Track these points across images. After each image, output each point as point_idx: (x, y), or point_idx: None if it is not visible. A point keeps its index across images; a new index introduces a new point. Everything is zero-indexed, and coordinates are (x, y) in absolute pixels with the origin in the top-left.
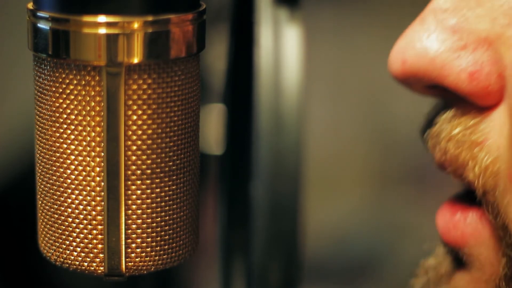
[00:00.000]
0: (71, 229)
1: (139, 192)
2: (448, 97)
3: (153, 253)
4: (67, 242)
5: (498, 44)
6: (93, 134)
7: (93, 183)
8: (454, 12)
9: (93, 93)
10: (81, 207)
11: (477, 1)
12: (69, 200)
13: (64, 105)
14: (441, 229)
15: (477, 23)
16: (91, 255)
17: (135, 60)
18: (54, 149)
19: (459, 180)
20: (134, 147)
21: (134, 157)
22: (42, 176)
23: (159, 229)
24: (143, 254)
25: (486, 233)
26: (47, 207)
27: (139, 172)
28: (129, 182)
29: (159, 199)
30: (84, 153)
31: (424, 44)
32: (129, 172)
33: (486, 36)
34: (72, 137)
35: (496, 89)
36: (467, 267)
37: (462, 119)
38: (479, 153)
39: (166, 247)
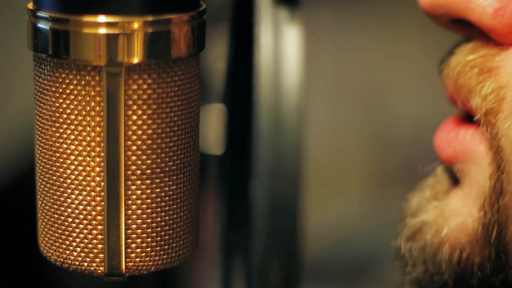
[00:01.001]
0: (71, 229)
1: (139, 192)
2: (472, 34)
3: (153, 253)
4: (67, 242)
5: None
6: (93, 134)
7: (93, 183)
8: None
9: (93, 93)
10: (81, 207)
11: None
12: (69, 200)
13: (64, 105)
14: (437, 147)
15: None
16: (91, 255)
17: (135, 60)
18: (54, 149)
19: (464, 110)
20: (134, 147)
21: (134, 157)
22: (42, 176)
23: (159, 229)
24: (143, 254)
25: (476, 151)
26: (47, 207)
27: (139, 172)
28: (129, 182)
29: (159, 199)
30: (84, 153)
31: None
32: (129, 172)
33: None
34: (72, 137)
35: None
36: (460, 184)
37: (480, 49)
38: (489, 78)
39: (166, 247)
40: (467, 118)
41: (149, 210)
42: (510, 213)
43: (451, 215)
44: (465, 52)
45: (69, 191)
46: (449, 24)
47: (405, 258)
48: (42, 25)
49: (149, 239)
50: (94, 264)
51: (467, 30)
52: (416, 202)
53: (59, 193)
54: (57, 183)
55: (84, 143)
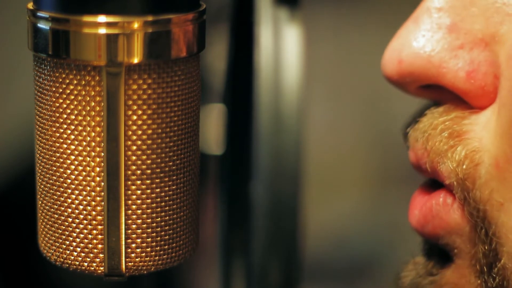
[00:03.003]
0: (71, 229)
1: (139, 192)
2: (441, 98)
3: (153, 253)
4: (67, 242)
5: (493, 44)
6: (93, 134)
7: (93, 183)
8: (449, 12)
9: (93, 93)
10: (81, 207)
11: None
12: (69, 200)
13: (64, 105)
14: (414, 226)
15: (473, 22)
16: (91, 255)
17: (135, 60)
18: (54, 149)
19: (432, 175)
20: (134, 147)
21: (134, 157)
22: (42, 176)
23: (159, 229)
24: (143, 254)
25: (452, 221)
26: (47, 207)
27: (139, 172)
28: (129, 182)
29: (159, 199)
30: (84, 153)
31: (421, 43)
32: (129, 172)
33: (482, 36)
34: (72, 137)
35: (492, 90)
36: (450, 257)
37: (452, 112)
38: (459, 143)
39: (166, 247)
40: (433, 185)
41: (149, 210)
42: (509, 274)
43: None
44: (436, 114)
45: (69, 191)
46: (418, 91)
47: None
48: (42, 25)
49: (149, 239)
50: (94, 264)
51: (437, 94)
52: (411, 280)
53: (59, 193)
54: (57, 183)
55: (84, 143)
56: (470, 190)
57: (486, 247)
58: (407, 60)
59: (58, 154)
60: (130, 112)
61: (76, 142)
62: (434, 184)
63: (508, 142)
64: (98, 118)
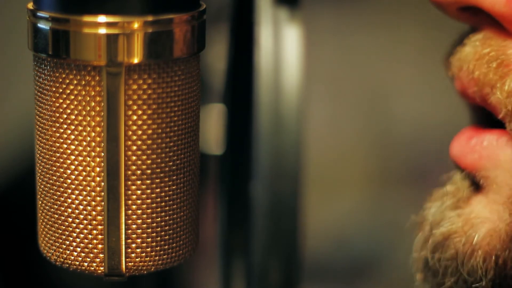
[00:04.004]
0: (71, 229)
1: (139, 192)
2: (481, 23)
3: (153, 253)
4: (67, 242)
5: None
6: (93, 134)
7: (93, 183)
8: None
9: (93, 93)
10: (81, 207)
11: None
12: (69, 200)
13: (64, 105)
14: (457, 155)
15: None
16: (91, 255)
17: (135, 60)
18: (54, 149)
19: (481, 103)
20: (134, 147)
21: (134, 157)
22: (42, 176)
23: (159, 229)
24: (143, 254)
25: (503, 155)
26: (47, 207)
27: (139, 172)
28: (129, 182)
29: (159, 199)
30: (84, 153)
31: None
32: (129, 172)
33: None
34: (72, 137)
35: None
36: (483, 191)
37: (493, 41)
38: (509, 73)
39: (166, 247)
40: (486, 122)
41: (149, 210)
42: None
43: (480, 222)
44: (478, 43)
45: (69, 191)
46: (457, 13)
47: (433, 269)
48: (42, 25)
49: (149, 239)
50: (94, 264)
51: (476, 18)
52: (436, 211)
53: (59, 193)
54: (57, 183)
55: (84, 143)
56: None
57: None
58: None
59: (58, 154)
60: (130, 112)
61: (76, 142)
62: (486, 122)
63: None
64: (98, 118)
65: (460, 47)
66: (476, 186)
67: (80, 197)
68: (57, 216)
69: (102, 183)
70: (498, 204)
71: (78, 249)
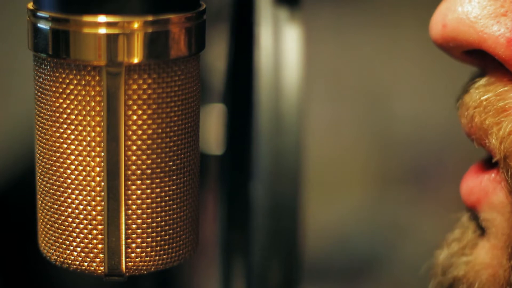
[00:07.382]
0: (71, 229)
1: (139, 192)
2: (485, 65)
3: (153, 253)
4: (67, 242)
5: None
6: (93, 134)
7: (93, 183)
8: None
9: (93, 93)
10: (81, 207)
11: None
12: (69, 200)
13: (64, 105)
14: (463, 193)
15: None
16: (91, 255)
17: (135, 60)
18: (54, 149)
19: (482, 148)
20: (134, 147)
21: (134, 157)
22: (42, 176)
23: (159, 229)
24: (143, 254)
25: (496, 198)
26: (47, 207)
27: (139, 172)
28: (129, 182)
29: (159, 199)
30: (84, 153)
31: (465, 8)
32: (129, 172)
33: None
34: (72, 137)
35: None
36: (486, 235)
37: (493, 86)
38: (505, 119)
39: (166, 247)
40: (490, 162)
41: (149, 210)
42: None
43: (482, 269)
44: (479, 89)
45: (69, 191)
46: (462, 56)
47: None
48: (42, 25)
49: (149, 239)
50: (94, 264)
51: (481, 61)
52: (445, 258)
53: (59, 193)
54: (57, 183)
55: (84, 143)
56: (510, 167)
57: None
58: (451, 24)
59: (58, 154)
60: (130, 112)
61: (76, 142)
62: (491, 161)
63: None
64: (98, 118)
65: (464, 93)
66: (481, 229)
67: (80, 197)
68: (57, 216)
69: (102, 183)
70: (497, 249)
71: (78, 249)
